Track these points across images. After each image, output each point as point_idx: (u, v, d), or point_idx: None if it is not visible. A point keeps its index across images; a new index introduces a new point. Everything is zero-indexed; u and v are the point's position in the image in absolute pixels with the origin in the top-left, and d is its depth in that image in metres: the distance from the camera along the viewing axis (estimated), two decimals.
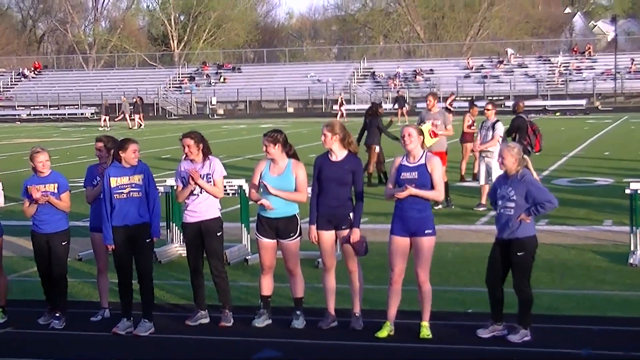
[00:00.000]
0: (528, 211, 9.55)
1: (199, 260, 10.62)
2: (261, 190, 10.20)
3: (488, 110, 18.58)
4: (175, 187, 10.99)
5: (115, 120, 62.32)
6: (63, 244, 10.70)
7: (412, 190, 9.61)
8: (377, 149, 23.20)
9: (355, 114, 67.26)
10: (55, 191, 10.64)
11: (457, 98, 70.24)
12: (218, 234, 10.54)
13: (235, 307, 10.73)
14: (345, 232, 10.10)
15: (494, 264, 9.69)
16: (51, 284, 10.80)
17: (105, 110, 63.05)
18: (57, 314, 10.66)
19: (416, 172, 9.72)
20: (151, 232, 10.30)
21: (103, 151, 11.07)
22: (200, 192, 10.49)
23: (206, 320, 10.58)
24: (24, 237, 11.81)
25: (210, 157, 10.62)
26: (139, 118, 61.56)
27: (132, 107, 63.07)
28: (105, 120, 61.31)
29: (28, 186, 10.64)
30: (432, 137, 17.32)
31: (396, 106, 61.50)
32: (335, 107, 68.53)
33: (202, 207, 10.50)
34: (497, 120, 18.45)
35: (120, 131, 51.85)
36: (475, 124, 23.94)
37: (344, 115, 63.41)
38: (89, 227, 11.20)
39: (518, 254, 9.50)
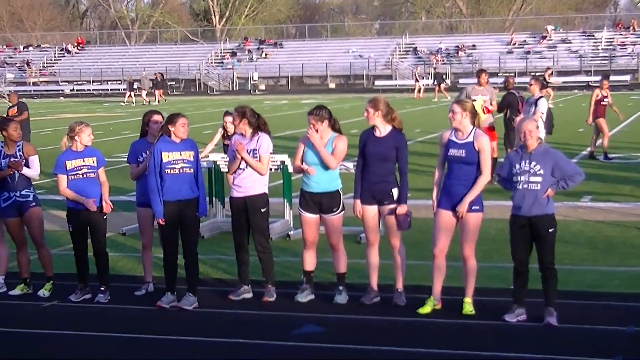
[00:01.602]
0: (555, 185, 9.36)
1: (244, 235, 10.64)
2: (304, 161, 10.21)
3: (531, 85, 18.40)
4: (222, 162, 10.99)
5: (153, 92, 62.88)
6: (104, 218, 10.76)
7: (464, 207, 9.60)
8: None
9: (398, 90, 67.06)
10: (95, 164, 10.68)
11: (500, 74, 69.92)
12: (263, 210, 10.54)
13: (277, 282, 10.78)
14: (387, 208, 10.10)
15: (522, 243, 9.43)
16: (85, 262, 10.85)
17: (130, 86, 63.60)
18: (102, 288, 10.75)
19: (464, 150, 9.64)
20: (198, 210, 10.34)
21: (159, 124, 10.90)
22: (246, 167, 10.49)
23: (249, 295, 10.63)
24: None
25: (259, 132, 10.59)
26: (160, 94, 62.11)
27: (152, 83, 63.64)
28: (130, 96, 61.96)
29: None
30: (485, 113, 17.20)
31: (435, 83, 61.00)
32: (393, 81, 67.68)
33: (248, 182, 10.51)
34: (542, 96, 18.26)
35: (145, 107, 52.32)
36: (607, 98, 23.34)
37: (421, 90, 61.19)
38: (136, 202, 11.23)
39: (549, 230, 9.30)
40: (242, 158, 10.43)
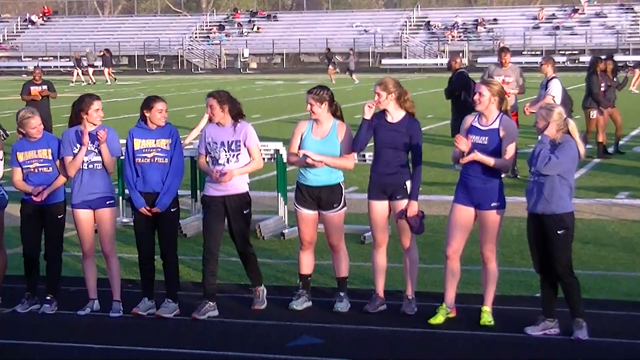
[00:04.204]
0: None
1: (218, 241, 10.34)
2: (301, 155, 10.17)
3: (542, 65, 18.32)
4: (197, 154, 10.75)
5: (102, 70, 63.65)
6: (59, 217, 10.62)
7: (477, 155, 9.54)
8: (594, 114, 21.53)
9: (408, 70, 67.00)
10: (49, 157, 10.52)
11: (525, 52, 69.93)
12: (245, 212, 10.35)
13: (270, 288, 10.79)
14: (400, 203, 10.10)
15: (533, 244, 9.46)
16: (34, 265, 10.68)
17: (77, 62, 63.93)
18: (48, 297, 10.54)
19: (486, 137, 9.66)
20: (156, 201, 10.17)
21: (99, 111, 10.40)
22: (227, 162, 10.22)
23: (215, 313, 10.23)
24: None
25: (240, 121, 10.37)
26: (109, 73, 62.98)
27: (100, 60, 64.71)
28: (78, 74, 63.02)
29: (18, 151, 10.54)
30: None
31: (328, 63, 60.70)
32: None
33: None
34: (554, 77, 18.13)
35: (96, 87, 53.06)
36: None
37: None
38: (72, 203, 10.56)
39: (558, 232, 9.22)
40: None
